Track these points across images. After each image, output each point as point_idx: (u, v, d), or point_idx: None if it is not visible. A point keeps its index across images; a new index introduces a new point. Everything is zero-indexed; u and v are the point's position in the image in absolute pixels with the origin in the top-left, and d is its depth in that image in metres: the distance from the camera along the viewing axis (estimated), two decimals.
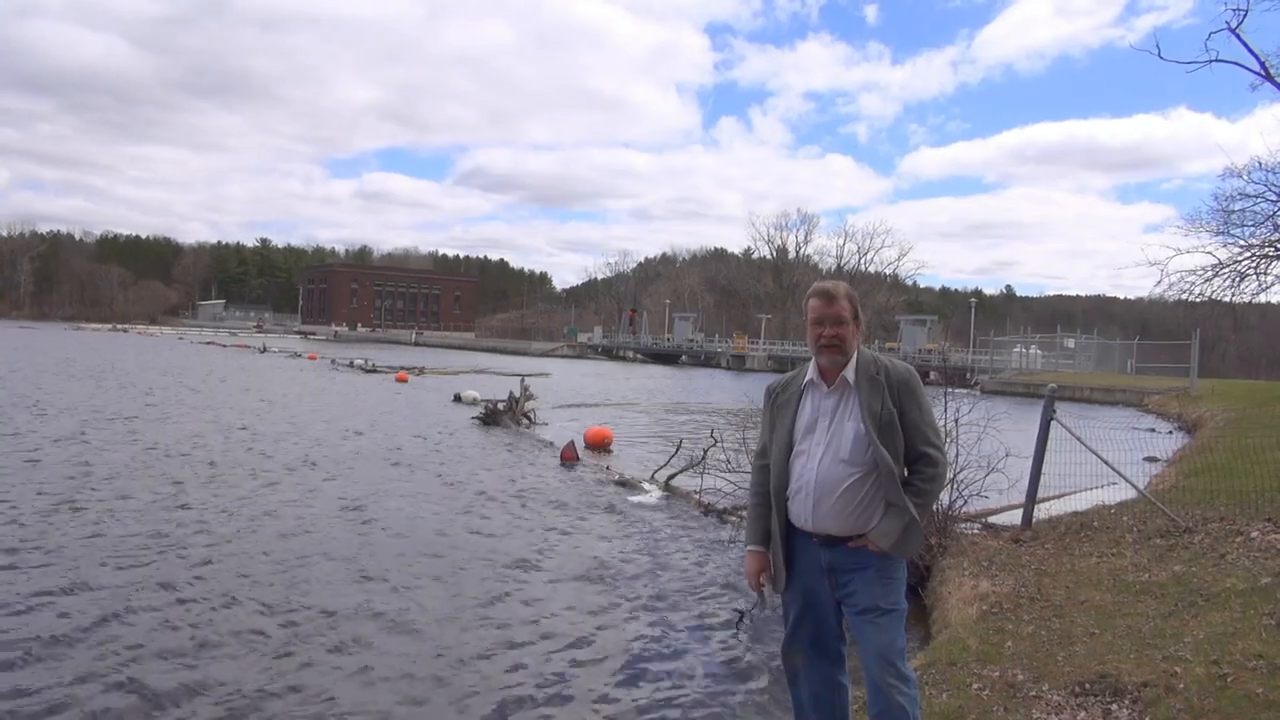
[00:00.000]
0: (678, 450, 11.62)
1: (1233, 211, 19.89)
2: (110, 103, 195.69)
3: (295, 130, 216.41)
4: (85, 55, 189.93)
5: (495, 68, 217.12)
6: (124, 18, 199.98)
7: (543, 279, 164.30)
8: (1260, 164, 19.62)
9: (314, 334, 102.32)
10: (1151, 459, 10.90)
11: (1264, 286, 20.19)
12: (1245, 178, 19.82)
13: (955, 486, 7.20)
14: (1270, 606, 4.51)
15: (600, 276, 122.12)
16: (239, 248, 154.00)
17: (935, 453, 2.93)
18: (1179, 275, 20.40)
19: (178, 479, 10.14)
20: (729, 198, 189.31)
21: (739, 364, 64.37)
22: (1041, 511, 7.53)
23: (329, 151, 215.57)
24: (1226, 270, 19.97)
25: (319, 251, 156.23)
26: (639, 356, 75.21)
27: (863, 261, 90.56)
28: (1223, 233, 20.16)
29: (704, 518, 9.40)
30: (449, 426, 17.36)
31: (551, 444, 14.86)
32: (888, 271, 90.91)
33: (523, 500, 10.07)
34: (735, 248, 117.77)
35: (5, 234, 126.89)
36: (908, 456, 2.91)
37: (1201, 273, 20.19)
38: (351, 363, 39.66)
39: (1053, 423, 7.31)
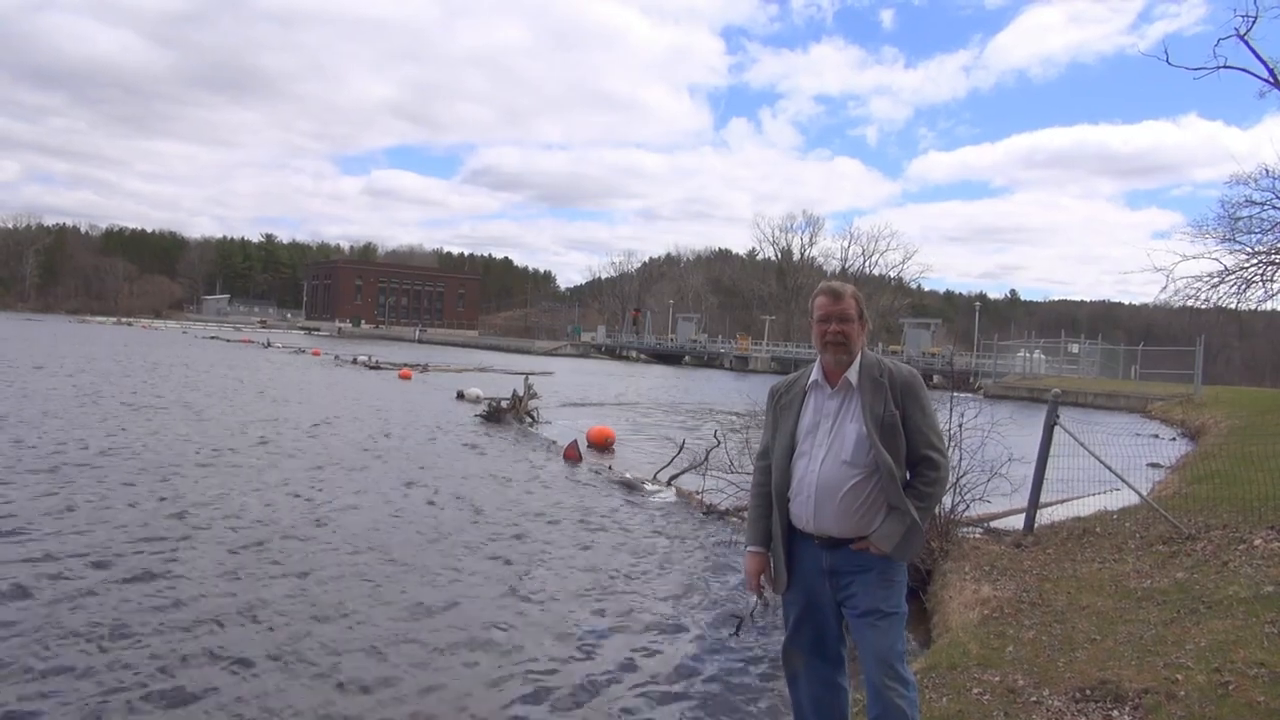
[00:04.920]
0: (680, 450, 11.62)
1: (1239, 218, 19.79)
2: (123, 97, 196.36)
3: (308, 127, 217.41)
4: (99, 50, 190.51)
5: (509, 67, 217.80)
6: (139, 13, 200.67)
7: (547, 277, 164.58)
8: (1268, 171, 19.51)
9: (318, 330, 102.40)
10: (1155, 465, 10.85)
11: (1270, 294, 20.08)
12: (1253, 184, 19.73)
13: (958, 490, 7.19)
14: (1273, 614, 4.49)
15: (604, 276, 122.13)
16: (244, 243, 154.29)
17: (937, 456, 2.92)
18: (1185, 281, 20.30)
19: (173, 476, 10.18)
20: (737, 199, 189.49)
21: (742, 365, 64.32)
22: (1044, 516, 7.52)
23: (341, 148, 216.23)
24: (1232, 277, 19.87)
25: (324, 247, 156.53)
26: (642, 356, 75.17)
27: (867, 264, 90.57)
28: (1229, 239, 20.06)
29: (706, 518, 9.39)
30: (452, 424, 17.37)
31: (554, 443, 14.87)
32: (892, 274, 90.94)
33: (524, 498, 10.07)
34: (742, 249, 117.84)
35: (11, 226, 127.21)
36: (910, 459, 2.90)
37: (1207, 279, 20.09)
38: (355, 359, 39.69)
39: (1056, 427, 7.30)
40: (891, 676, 2.80)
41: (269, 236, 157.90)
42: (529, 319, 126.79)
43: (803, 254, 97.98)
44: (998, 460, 7.44)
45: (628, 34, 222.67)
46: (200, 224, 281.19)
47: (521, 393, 18.54)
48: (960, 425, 7.26)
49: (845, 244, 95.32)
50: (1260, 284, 19.70)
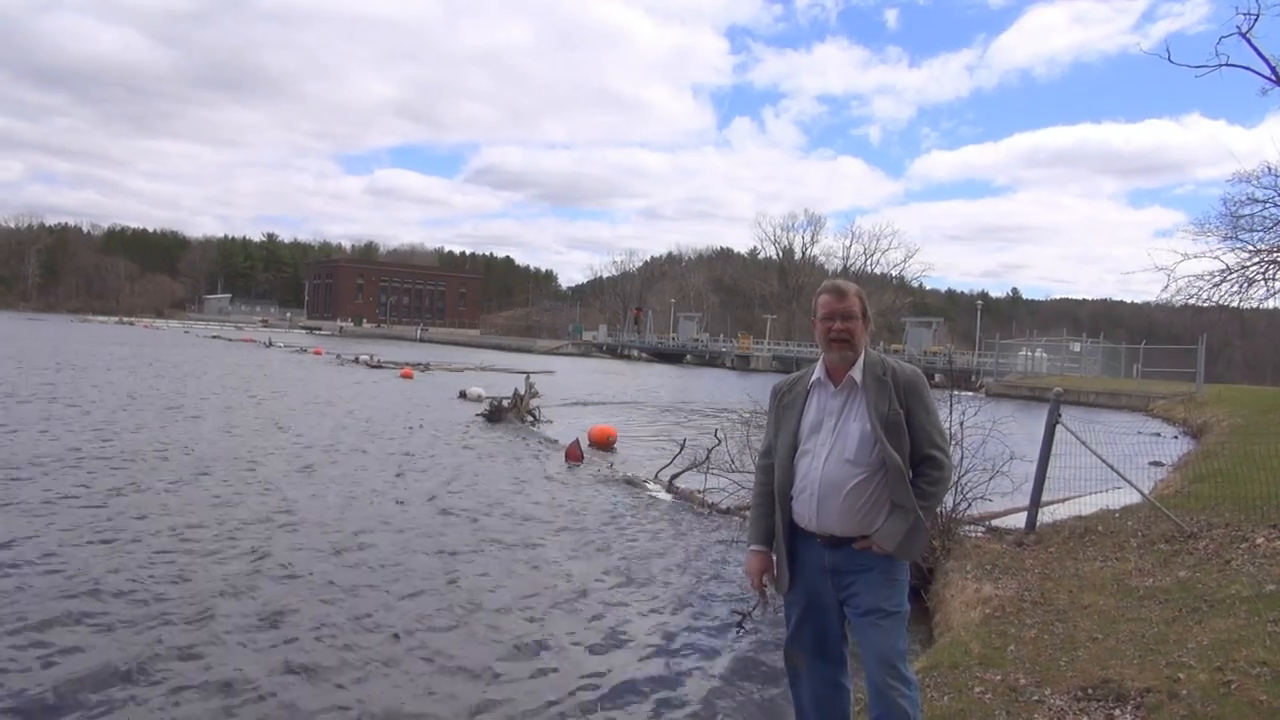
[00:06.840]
0: (682, 449, 11.62)
1: (1241, 216, 19.73)
2: (125, 96, 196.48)
3: (311, 126, 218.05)
4: (102, 49, 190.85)
5: (512, 67, 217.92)
6: (141, 12, 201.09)
7: (548, 276, 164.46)
8: (1270, 169, 19.45)
9: (319, 329, 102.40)
10: (1156, 464, 10.84)
11: (1272, 292, 20.01)
12: (1255, 182, 19.67)
13: (959, 489, 7.19)
14: (1275, 613, 4.49)
15: (606, 275, 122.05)
16: (245, 242, 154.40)
17: (940, 455, 2.92)
18: (1186, 280, 20.23)
19: (169, 476, 10.19)
20: (740, 198, 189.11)
21: (743, 364, 64.33)
22: (1045, 515, 7.51)
23: (343, 148, 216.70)
24: (1234, 275, 19.82)
25: (326, 246, 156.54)
26: (644, 355, 75.18)
27: (869, 263, 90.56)
28: (1231, 237, 20.00)
29: (707, 517, 9.39)
30: (454, 423, 17.38)
31: (556, 442, 14.87)
32: (894, 273, 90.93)
33: (526, 498, 10.07)
34: (744, 248, 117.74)
35: (13, 226, 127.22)
36: (913, 458, 2.90)
37: (1209, 277, 20.03)
38: (357, 358, 39.70)
39: (1058, 426, 7.29)
40: (893, 676, 2.80)
41: (271, 236, 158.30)
42: (530, 318, 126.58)
43: (804, 253, 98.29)
44: (999, 459, 7.45)
45: (631, 34, 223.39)
46: (202, 223, 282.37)
47: (523, 392, 18.54)
48: (961, 424, 7.27)
49: (847, 243, 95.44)
50: (1262, 282, 19.65)
